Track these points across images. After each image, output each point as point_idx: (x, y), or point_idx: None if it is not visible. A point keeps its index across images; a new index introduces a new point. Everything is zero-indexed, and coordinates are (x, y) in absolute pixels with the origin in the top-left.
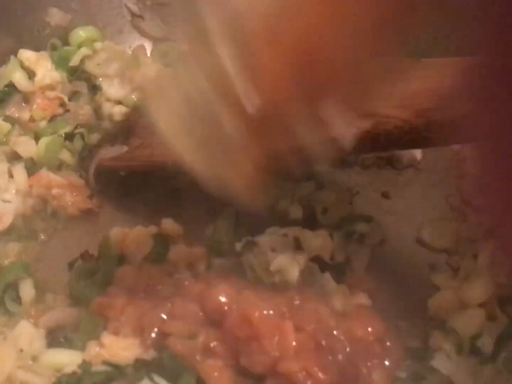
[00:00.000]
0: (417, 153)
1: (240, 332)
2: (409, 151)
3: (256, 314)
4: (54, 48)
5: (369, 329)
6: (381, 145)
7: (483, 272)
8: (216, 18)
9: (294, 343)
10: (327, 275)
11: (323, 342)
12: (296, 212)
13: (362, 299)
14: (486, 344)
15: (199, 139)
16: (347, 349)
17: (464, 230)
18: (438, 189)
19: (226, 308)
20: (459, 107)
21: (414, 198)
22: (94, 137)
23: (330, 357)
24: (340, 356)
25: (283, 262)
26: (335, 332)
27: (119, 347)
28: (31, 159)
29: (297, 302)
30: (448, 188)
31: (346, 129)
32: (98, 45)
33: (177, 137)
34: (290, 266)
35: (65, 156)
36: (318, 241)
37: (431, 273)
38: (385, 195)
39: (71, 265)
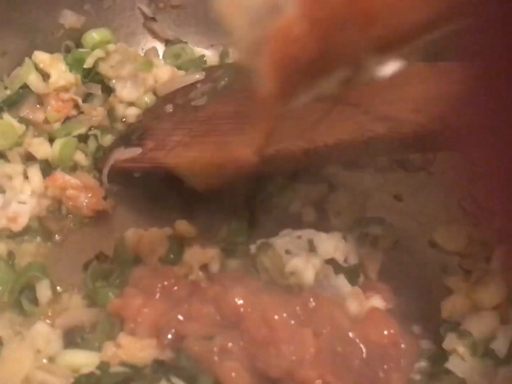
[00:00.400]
0: (430, 156)
1: (258, 334)
2: (422, 154)
3: (276, 317)
4: (68, 50)
5: (384, 332)
6: (397, 149)
7: (496, 275)
8: None
9: (312, 349)
10: (342, 278)
11: (339, 348)
12: (309, 214)
13: (376, 301)
14: (501, 346)
15: None
16: (363, 353)
17: (476, 233)
18: (450, 192)
19: (242, 310)
20: (474, 112)
21: (426, 200)
22: (108, 139)
23: (346, 363)
24: (356, 361)
25: (298, 264)
26: (350, 335)
27: (136, 348)
28: (46, 160)
29: (312, 304)
30: (461, 190)
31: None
32: (111, 47)
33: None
34: (305, 268)
35: (79, 157)
36: (331, 243)
37: (444, 275)
38: (398, 198)
39: (86, 266)
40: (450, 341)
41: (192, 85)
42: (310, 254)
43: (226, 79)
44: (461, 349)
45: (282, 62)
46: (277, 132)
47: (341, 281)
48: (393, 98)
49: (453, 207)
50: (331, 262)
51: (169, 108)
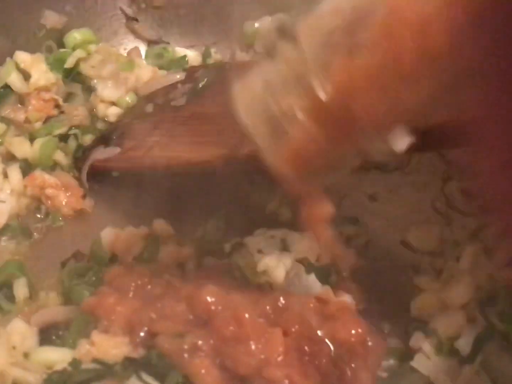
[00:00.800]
0: (404, 157)
1: (227, 332)
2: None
3: (246, 315)
4: (49, 50)
5: (352, 331)
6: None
7: (465, 275)
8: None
9: (281, 348)
10: (312, 277)
11: (306, 348)
12: (285, 214)
13: (346, 300)
14: (465, 345)
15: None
16: (331, 352)
17: (448, 233)
18: (424, 192)
19: (213, 308)
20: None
21: (400, 201)
22: (88, 138)
23: (314, 362)
24: (324, 360)
25: (269, 263)
26: (319, 334)
27: (109, 346)
28: (26, 159)
29: (282, 303)
30: (434, 191)
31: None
32: (92, 47)
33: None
34: (276, 267)
35: (59, 157)
36: (304, 243)
37: (414, 275)
38: (372, 198)
39: (63, 264)
40: (417, 340)
41: (173, 85)
42: (282, 253)
43: (206, 79)
44: (426, 347)
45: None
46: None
47: (312, 280)
48: None
49: (426, 207)
50: (303, 261)
51: (150, 108)
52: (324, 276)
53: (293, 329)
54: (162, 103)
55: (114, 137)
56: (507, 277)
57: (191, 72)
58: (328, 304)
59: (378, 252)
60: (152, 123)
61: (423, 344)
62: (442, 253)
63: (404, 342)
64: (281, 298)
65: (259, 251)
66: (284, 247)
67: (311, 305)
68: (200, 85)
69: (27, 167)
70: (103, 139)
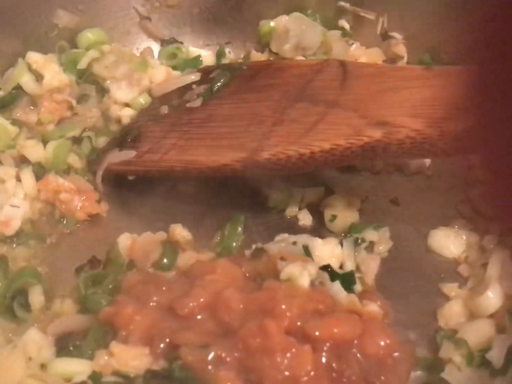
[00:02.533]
0: (426, 159)
1: (253, 343)
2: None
3: (274, 325)
4: (62, 50)
5: (381, 343)
6: (393, 154)
7: (493, 282)
8: None
9: (309, 367)
10: (337, 285)
11: (335, 365)
12: (305, 218)
13: (373, 309)
14: (496, 357)
15: None
16: (360, 366)
17: (473, 239)
18: (447, 196)
19: (238, 314)
20: (471, 116)
21: (423, 205)
22: (102, 141)
23: (343, 378)
24: (353, 377)
25: (293, 271)
26: (348, 350)
27: (128, 357)
28: (39, 163)
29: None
30: (458, 195)
31: None
32: (106, 47)
33: None
34: (301, 275)
35: (73, 160)
36: (327, 249)
37: (440, 282)
38: (394, 202)
39: (78, 270)
40: (447, 350)
41: (187, 86)
42: (306, 261)
43: (222, 80)
44: (457, 358)
45: None
46: (273, 136)
47: (337, 288)
48: (390, 102)
49: (450, 211)
50: (327, 268)
51: (164, 109)
52: (348, 283)
53: (324, 348)
54: (177, 104)
55: (129, 140)
56: None
57: (206, 73)
58: (362, 316)
59: (402, 258)
60: (168, 126)
61: (454, 355)
62: (468, 259)
63: (432, 352)
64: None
65: (282, 258)
66: (307, 254)
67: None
68: (216, 86)
69: (40, 171)
70: (118, 142)
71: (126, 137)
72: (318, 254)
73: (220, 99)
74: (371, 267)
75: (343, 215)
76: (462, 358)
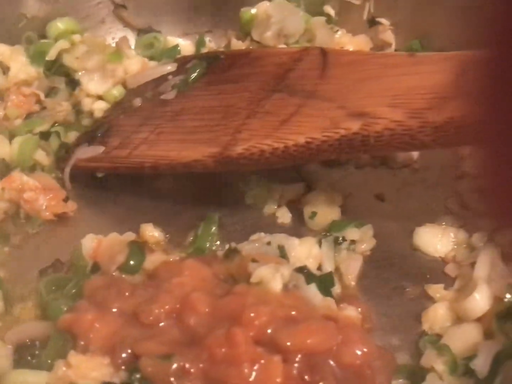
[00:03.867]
0: (414, 152)
1: (219, 351)
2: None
3: (241, 335)
4: (29, 41)
5: (358, 352)
6: (372, 147)
7: (480, 284)
8: None
9: (279, 380)
10: (313, 287)
11: (307, 377)
12: (284, 216)
13: (351, 313)
14: (481, 365)
15: None
16: (336, 377)
17: (462, 236)
18: (435, 191)
19: (204, 320)
20: (456, 106)
21: (409, 200)
22: (72, 136)
23: None
24: None
25: (265, 274)
26: (323, 361)
27: (87, 368)
28: (3, 160)
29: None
30: (446, 189)
31: None
32: (76, 37)
33: None
34: (272, 278)
35: (40, 156)
36: (304, 249)
37: (426, 283)
38: (379, 197)
39: (42, 273)
40: (429, 358)
41: (163, 77)
42: (279, 263)
43: (198, 70)
44: (439, 367)
45: None
46: (246, 130)
47: (313, 292)
48: (370, 92)
49: (437, 207)
50: (303, 270)
51: (138, 102)
52: (327, 286)
53: (296, 358)
54: (151, 96)
55: (99, 135)
56: None
57: (182, 63)
58: (339, 322)
59: (386, 257)
60: (140, 119)
61: (436, 363)
62: (456, 258)
63: (415, 358)
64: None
65: (254, 260)
66: (282, 254)
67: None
68: (192, 77)
69: (4, 168)
70: (87, 137)
71: (96, 131)
72: (294, 255)
73: (195, 91)
74: (352, 267)
75: (323, 212)
76: (445, 366)
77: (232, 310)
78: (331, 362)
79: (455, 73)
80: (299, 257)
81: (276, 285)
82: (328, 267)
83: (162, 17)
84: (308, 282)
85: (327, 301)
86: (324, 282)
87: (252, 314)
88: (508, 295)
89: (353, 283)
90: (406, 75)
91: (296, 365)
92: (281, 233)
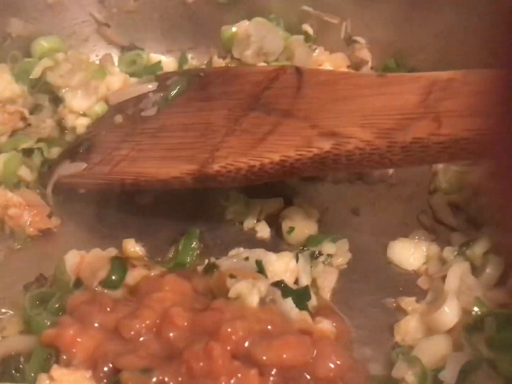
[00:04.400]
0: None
1: (197, 365)
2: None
3: (219, 349)
4: (14, 60)
5: (331, 365)
6: (343, 166)
7: (450, 297)
8: None
9: None
10: (289, 301)
11: None
12: (263, 231)
13: (325, 326)
14: (449, 377)
15: None
16: None
17: (434, 250)
18: (409, 205)
19: (183, 334)
20: (423, 127)
21: (384, 214)
22: (55, 151)
23: None
24: None
25: (241, 289)
26: (298, 373)
27: (70, 381)
28: None
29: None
30: (419, 204)
31: None
32: (60, 55)
33: None
34: (249, 293)
35: (24, 173)
36: (281, 264)
37: (399, 296)
38: (355, 212)
39: (26, 288)
40: (400, 369)
41: (144, 94)
42: (256, 278)
43: (178, 87)
44: (410, 378)
45: None
46: (223, 147)
47: (289, 305)
48: (342, 112)
49: (411, 221)
50: (280, 284)
51: (119, 118)
52: (302, 299)
53: (272, 372)
54: (132, 113)
55: (81, 151)
56: (496, 298)
57: (163, 80)
58: (313, 335)
59: (361, 271)
60: (121, 136)
61: (406, 374)
62: (428, 271)
63: (387, 368)
64: None
65: (231, 276)
66: (260, 269)
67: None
68: (171, 94)
69: None
70: (70, 153)
71: (78, 148)
72: (272, 269)
73: (175, 108)
74: (328, 281)
75: (300, 227)
76: (415, 378)
77: (210, 324)
78: (306, 375)
79: (423, 94)
80: (276, 272)
81: (253, 300)
82: (305, 281)
83: (145, 34)
84: (285, 296)
85: (303, 315)
86: (301, 296)
87: (229, 329)
88: (475, 308)
89: (329, 296)
90: (376, 95)
91: (272, 378)
92: (259, 248)
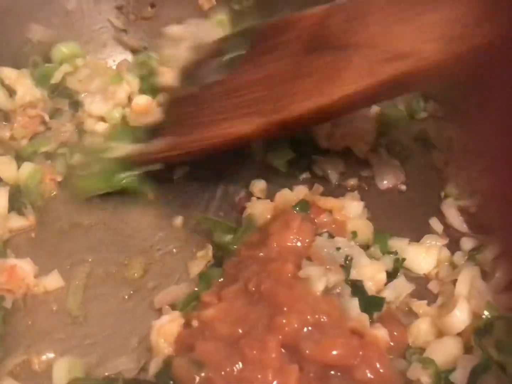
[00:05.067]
0: (400, 174)
1: (250, 353)
2: (392, 171)
3: (274, 342)
4: (35, 65)
5: (371, 371)
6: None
7: (461, 301)
8: None
9: None
10: (355, 301)
11: None
12: None
13: (380, 334)
14: (460, 378)
15: None
16: None
17: (444, 254)
18: (420, 210)
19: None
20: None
21: (396, 220)
22: (77, 157)
23: None
24: None
25: (311, 273)
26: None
27: None
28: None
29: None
30: (430, 209)
31: None
32: (80, 61)
33: None
34: (318, 279)
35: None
36: (370, 270)
37: (410, 299)
38: (367, 218)
39: None
40: (415, 370)
41: (206, 63)
42: (332, 270)
43: (236, 49)
44: (425, 379)
45: None
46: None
47: (353, 304)
48: (408, 30)
49: (422, 226)
50: (357, 283)
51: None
52: (371, 307)
53: (312, 368)
54: (199, 82)
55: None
56: (505, 303)
57: (220, 44)
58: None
59: None
60: (194, 105)
61: (422, 375)
62: (439, 275)
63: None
64: None
65: (308, 258)
66: (346, 265)
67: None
68: (232, 56)
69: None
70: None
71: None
72: (357, 271)
73: (238, 68)
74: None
75: None
76: (430, 379)
77: (275, 301)
78: (344, 374)
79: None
80: (363, 272)
81: (318, 286)
82: (389, 296)
83: (161, 40)
84: (354, 295)
85: (362, 316)
86: (372, 304)
87: (284, 320)
88: (486, 312)
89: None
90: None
91: (311, 374)
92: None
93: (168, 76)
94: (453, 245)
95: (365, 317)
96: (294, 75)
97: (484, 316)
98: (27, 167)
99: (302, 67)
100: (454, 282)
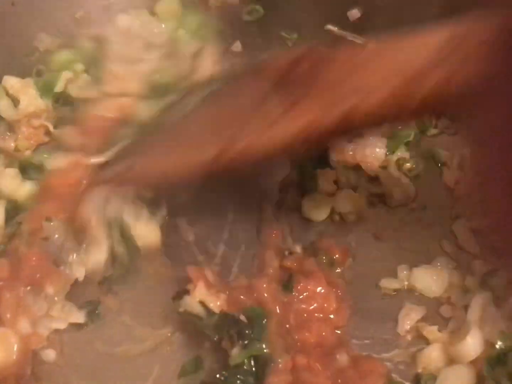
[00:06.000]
0: (411, 191)
1: None
2: (403, 188)
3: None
4: (39, 74)
5: None
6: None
7: (473, 328)
8: None
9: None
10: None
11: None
12: None
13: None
14: None
15: None
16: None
17: (456, 278)
18: (431, 231)
19: None
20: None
21: (406, 240)
22: None
23: None
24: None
25: None
26: None
27: None
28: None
29: None
30: (442, 229)
31: None
32: (79, 66)
33: None
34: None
35: None
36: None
37: (421, 324)
38: (377, 236)
39: None
40: None
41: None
42: None
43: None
44: None
45: None
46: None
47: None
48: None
49: (433, 247)
50: None
51: None
52: None
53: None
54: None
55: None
56: None
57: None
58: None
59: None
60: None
61: None
62: (450, 300)
63: None
64: None
65: None
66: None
67: None
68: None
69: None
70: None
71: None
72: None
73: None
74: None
75: None
76: None
77: None
78: None
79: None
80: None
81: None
82: None
83: None
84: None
85: None
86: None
87: None
88: (499, 342)
89: None
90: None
91: None
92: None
93: None
94: (465, 268)
95: None
96: (245, 118)
97: (497, 346)
98: (29, 186)
99: (256, 111)
100: (466, 307)
